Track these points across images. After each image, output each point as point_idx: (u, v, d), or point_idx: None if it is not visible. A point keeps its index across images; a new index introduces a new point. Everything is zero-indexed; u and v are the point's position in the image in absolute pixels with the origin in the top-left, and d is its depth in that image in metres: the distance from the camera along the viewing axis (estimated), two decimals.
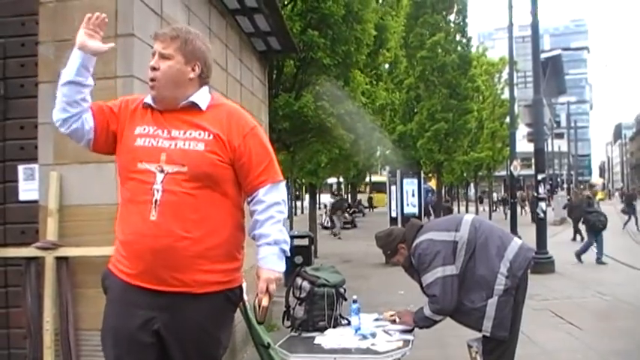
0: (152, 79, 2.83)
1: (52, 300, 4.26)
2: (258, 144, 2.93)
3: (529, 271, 4.41)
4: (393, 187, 19.64)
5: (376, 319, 4.88)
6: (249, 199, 2.96)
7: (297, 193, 47.40)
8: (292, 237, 13.71)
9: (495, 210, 46.46)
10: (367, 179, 54.72)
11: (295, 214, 46.71)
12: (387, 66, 25.14)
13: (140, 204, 2.72)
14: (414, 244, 4.42)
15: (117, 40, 4.29)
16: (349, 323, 4.65)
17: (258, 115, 9.01)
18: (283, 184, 3.02)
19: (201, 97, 2.90)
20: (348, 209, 39.62)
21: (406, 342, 4.26)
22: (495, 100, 39.60)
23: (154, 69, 2.83)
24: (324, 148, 15.56)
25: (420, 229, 4.51)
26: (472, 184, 49.63)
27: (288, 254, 2.99)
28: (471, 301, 4.26)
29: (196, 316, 2.77)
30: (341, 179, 44.20)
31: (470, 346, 4.51)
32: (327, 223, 32.82)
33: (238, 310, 6.67)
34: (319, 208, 41.87)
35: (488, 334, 4.26)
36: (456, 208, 43.38)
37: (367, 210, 53.30)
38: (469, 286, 4.27)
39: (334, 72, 12.31)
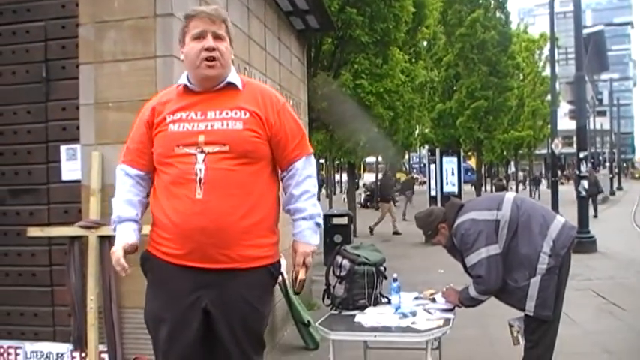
0: (211, 59, 2.83)
1: (96, 278, 4.33)
2: (291, 119, 3.01)
3: (571, 250, 4.33)
4: (433, 166, 19.51)
5: (416, 298, 4.86)
6: (284, 174, 3.01)
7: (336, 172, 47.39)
8: (332, 216, 13.76)
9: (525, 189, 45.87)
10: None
11: (334, 193, 46.92)
12: (425, 43, 24.88)
13: (184, 185, 2.74)
14: (455, 224, 4.37)
15: (156, 20, 4.32)
16: (389, 302, 4.63)
17: (297, 93, 9.00)
18: (313, 158, 3.10)
19: (235, 77, 2.94)
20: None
21: (447, 320, 4.24)
22: (536, 77, 39.00)
23: (212, 49, 2.83)
24: (362, 127, 15.50)
25: (461, 209, 4.45)
26: (512, 163, 49.06)
27: (322, 227, 3.06)
28: (514, 279, 4.21)
29: (242, 291, 2.81)
30: (380, 158, 43.92)
31: (511, 325, 4.45)
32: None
33: (278, 287, 6.79)
34: (358, 188, 41.88)
35: (531, 314, 4.20)
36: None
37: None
38: (512, 265, 4.21)
39: (373, 50, 12.25)
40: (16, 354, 4.56)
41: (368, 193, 36.58)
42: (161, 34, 4.34)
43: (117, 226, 2.94)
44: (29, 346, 4.56)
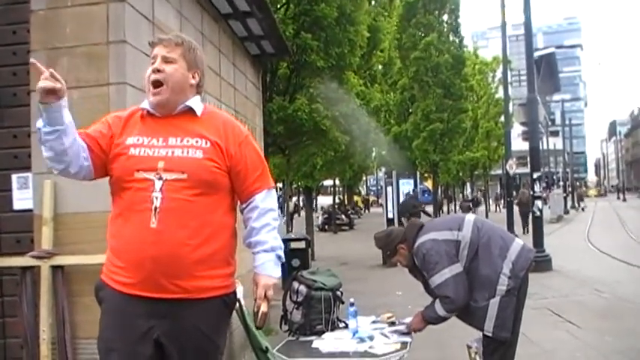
0: (156, 82, 2.82)
1: (49, 309, 4.25)
2: (253, 151, 2.98)
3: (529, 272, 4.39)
4: (389, 188, 19.63)
5: (374, 322, 4.87)
6: (243, 206, 2.99)
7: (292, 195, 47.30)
8: (289, 240, 13.72)
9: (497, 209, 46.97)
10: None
11: (292, 218, 46.90)
12: (380, 67, 25.15)
13: (139, 212, 2.71)
14: (416, 244, 4.39)
15: (109, 47, 4.30)
16: (347, 326, 4.64)
17: (253, 118, 9.00)
18: (274, 191, 3.08)
19: (196, 103, 2.92)
20: (348, 211, 39.64)
21: (404, 344, 4.28)
22: (490, 99, 39.70)
23: (158, 71, 2.82)
24: (319, 150, 15.57)
25: (421, 229, 4.48)
26: (468, 184, 49.74)
27: (284, 260, 3.04)
28: (474, 299, 4.25)
29: (196, 322, 2.77)
30: (337, 181, 44.11)
31: (469, 347, 4.50)
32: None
33: (235, 315, 6.72)
34: (315, 211, 41.80)
35: (490, 334, 4.24)
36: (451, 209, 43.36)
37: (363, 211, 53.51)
38: (472, 286, 4.25)
39: (328, 74, 12.32)
40: None
41: (325, 215, 36.65)
42: (114, 61, 4.32)
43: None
44: None
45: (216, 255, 2.81)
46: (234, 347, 7.00)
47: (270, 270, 2.94)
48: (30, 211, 4.47)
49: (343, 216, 37.26)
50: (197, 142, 2.80)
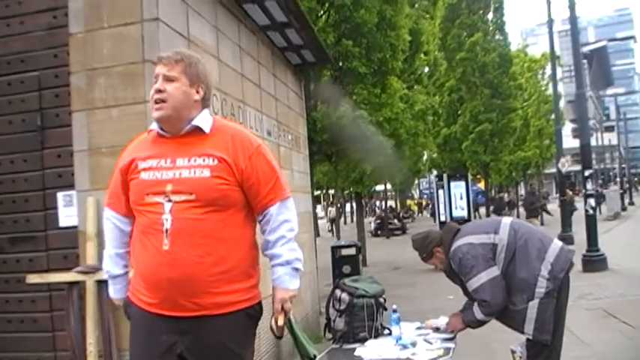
0: (158, 101, 2.85)
1: (95, 322, 4.35)
2: (265, 163, 2.95)
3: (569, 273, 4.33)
4: (441, 191, 19.51)
5: (418, 328, 4.85)
6: (259, 218, 2.99)
7: (342, 202, 47.35)
8: (339, 247, 13.76)
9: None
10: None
11: (345, 223, 46.88)
12: (426, 69, 24.99)
13: (152, 235, 2.77)
14: (452, 248, 4.38)
15: (145, 65, 4.39)
16: (390, 333, 4.63)
17: (296, 127, 9.08)
18: (291, 200, 3.04)
19: (204, 120, 2.92)
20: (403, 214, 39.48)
21: (447, 350, 4.23)
22: (540, 96, 38.98)
23: (159, 91, 2.85)
24: (365, 156, 15.56)
25: (458, 233, 4.46)
26: (522, 184, 48.89)
27: (302, 269, 3.04)
28: (512, 303, 4.21)
29: (218, 336, 2.81)
30: (388, 186, 43.93)
31: (513, 352, 4.45)
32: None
33: (285, 325, 6.77)
34: (368, 215, 41.75)
35: (530, 337, 4.21)
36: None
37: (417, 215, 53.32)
38: (510, 289, 4.22)
39: (371, 80, 12.31)
40: None
41: (378, 221, 36.56)
42: (150, 78, 4.39)
43: (109, 281, 3.16)
44: None
45: (234, 270, 2.83)
46: (282, 356, 7.07)
47: (286, 283, 2.96)
48: (75, 227, 4.59)
49: (396, 220, 37.13)
50: (204, 160, 2.80)
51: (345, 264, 12.91)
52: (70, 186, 4.60)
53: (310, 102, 12.09)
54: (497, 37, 29.06)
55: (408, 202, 59.40)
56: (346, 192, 41.51)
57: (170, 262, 2.72)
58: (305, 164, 9.70)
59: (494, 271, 4.18)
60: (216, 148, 2.85)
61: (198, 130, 2.89)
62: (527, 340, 4.27)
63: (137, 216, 2.89)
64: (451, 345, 4.35)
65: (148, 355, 2.83)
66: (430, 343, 4.41)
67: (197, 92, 2.92)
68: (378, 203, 54.01)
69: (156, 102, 2.86)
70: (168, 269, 2.72)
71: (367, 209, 52.58)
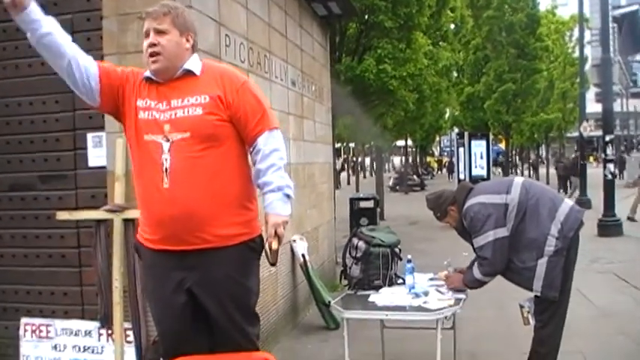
0: (153, 54, 2.97)
1: (120, 259, 4.52)
2: (252, 96, 3.07)
3: (579, 232, 4.41)
4: (461, 149, 19.49)
5: (431, 279, 4.97)
6: (250, 149, 3.11)
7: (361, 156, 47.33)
8: (358, 199, 13.92)
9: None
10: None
11: (365, 177, 47.02)
12: (452, 26, 24.76)
13: (152, 174, 2.91)
14: (465, 207, 4.46)
15: None
16: (404, 282, 4.76)
17: (320, 79, 9.13)
18: (279, 131, 3.15)
19: (194, 63, 3.06)
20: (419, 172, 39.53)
21: (457, 300, 4.37)
22: (567, 59, 38.46)
23: (153, 45, 2.97)
24: (387, 110, 15.57)
25: (471, 192, 4.54)
26: (543, 146, 48.56)
27: (292, 196, 3.13)
28: (521, 260, 4.30)
29: (223, 268, 2.98)
30: (409, 142, 43.84)
31: (522, 307, 4.54)
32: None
33: (301, 270, 6.98)
34: (388, 171, 41.74)
35: (539, 294, 4.31)
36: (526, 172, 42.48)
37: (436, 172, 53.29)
38: (519, 247, 4.30)
39: (396, 35, 12.27)
40: (47, 331, 4.78)
41: (397, 176, 36.64)
42: None
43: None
44: (59, 323, 4.78)
45: (232, 204, 2.99)
46: (298, 301, 7.27)
47: (278, 208, 3.03)
48: (104, 168, 4.74)
49: (415, 176, 37.19)
50: (197, 99, 2.94)
51: (363, 216, 13.12)
52: (100, 127, 4.72)
53: (335, 54, 12.09)
54: None
55: (428, 159, 59.37)
56: (367, 146, 41.50)
57: (171, 199, 2.88)
58: (327, 116, 9.78)
59: (502, 232, 4.27)
60: (206, 87, 2.99)
61: (189, 73, 3.03)
62: (536, 296, 4.37)
63: (133, 153, 3.04)
64: (462, 296, 4.47)
65: (161, 291, 3.04)
66: (442, 293, 4.54)
67: (187, 41, 3.06)
68: (396, 159, 53.89)
69: (151, 55, 2.98)
70: (169, 207, 2.88)
71: (388, 164, 52.55)
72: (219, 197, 2.95)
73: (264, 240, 3.11)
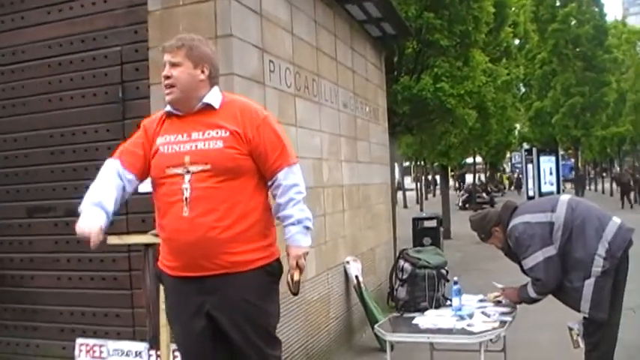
0: (168, 86, 3.10)
1: None
2: (272, 132, 3.14)
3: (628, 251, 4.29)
4: (530, 166, 19.19)
5: (481, 300, 4.92)
6: (269, 184, 3.19)
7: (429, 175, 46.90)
8: (421, 219, 13.85)
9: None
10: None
11: (434, 195, 46.39)
12: (517, 41, 24.42)
13: (173, 204, 3.00)
14: (509, 227, 4.41)
15: (217, 41, 4.60)
16: (451, 304, 4.72)
17: (375, 99, 9.17)
18: (298, 166, 3.22)
19: (214, 97, 3.14)
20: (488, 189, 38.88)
21: (502, 323, 4.30)
22: (638, 70, 37.40)
23: (167, 77, 3.10)
24: (447, 129, 15.45)
25: (515, 211, 4.48)
26: (616, 160, 47.19)
27: (312, 228, 3.23)
28: (569, 280, 4.22)
29: (241, 292, 3.05)
30: (478, 159, 43.19)
31: (571, 329, 4.44)
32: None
33: (354, 291, 6.97)
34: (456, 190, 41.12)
35: (586, 315, 4.22)
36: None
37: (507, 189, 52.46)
38: (567, 267, 4.22)
39: (453, 53, 12.19)
40: (101, 351, 4.92)
41: (466, 194, 36.21)
42: (222, 54, 4.60)
43: (89, 207, 3.09)
44: (112, 344, 4.89)
45: (250, 231, 3.05)
46: (353, 323, 7.28)
47: (299, 240, 3.15)
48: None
49: (484, 194, 36.66)
50: (217, 132, 3.03)
51: (426, 235, 13.04)
52: None
53: (393, 74, 12.10)
54: (591, 8, 28.06)
55: (499, 175, 58.45)
56: (435, 164, 41.08)
57: (190, 227, 2.96)
58: (384, 136, 9.79)
59: (550, 251, 4.20)
60: (226, 121, 3.07)
61: (208, 106, 3.12)
62: (584, 318, 4.27)
63: (156, 189, 3.14)
64: (508, 319, 4.40)
65: (182, 316, 3.14)
66: (488, 315, 4.48)
67: (202, 72, 3.13)
68: (468, 177, 53.12)
69: (166, 87, 3.11)
70: (188, 234, 2.97)
71: (457, 182, 51.88)
72: (236, 226, 3.02)
73: (287, 272, 3.19)
